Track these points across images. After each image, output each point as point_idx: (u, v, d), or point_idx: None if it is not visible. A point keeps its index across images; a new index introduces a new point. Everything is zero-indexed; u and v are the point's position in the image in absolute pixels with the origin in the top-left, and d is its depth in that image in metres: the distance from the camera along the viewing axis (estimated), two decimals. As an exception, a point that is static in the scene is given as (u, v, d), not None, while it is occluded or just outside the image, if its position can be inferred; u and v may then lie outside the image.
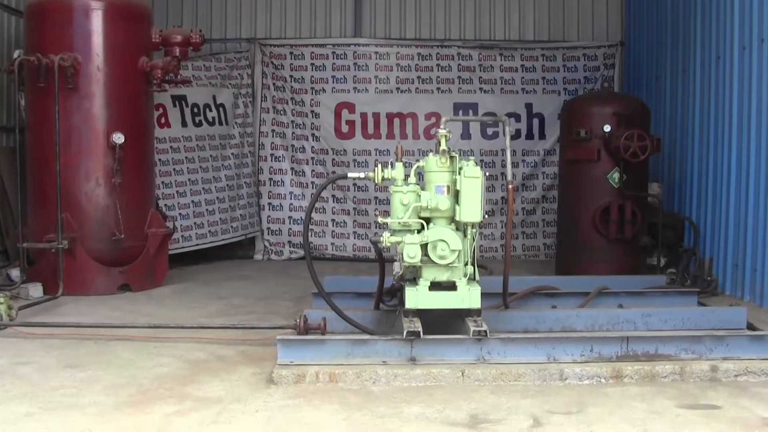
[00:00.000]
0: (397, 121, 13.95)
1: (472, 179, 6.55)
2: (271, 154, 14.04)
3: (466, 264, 6.81)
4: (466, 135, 13.92)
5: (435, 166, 6.82)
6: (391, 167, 6.82)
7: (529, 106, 13.95)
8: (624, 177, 10.45)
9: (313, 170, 13.95)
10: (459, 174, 6.63)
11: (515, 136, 13.74)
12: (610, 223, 10.44)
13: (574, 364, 6.41)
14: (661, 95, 12.49)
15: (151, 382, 6.36)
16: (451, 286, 6.79)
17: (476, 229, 6.84)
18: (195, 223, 12.82)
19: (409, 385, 6.21)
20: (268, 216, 14.00)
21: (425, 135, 13.92)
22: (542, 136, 13.95)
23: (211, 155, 13.09)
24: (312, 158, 14.02)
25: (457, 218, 6.67)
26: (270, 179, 14.02)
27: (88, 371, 6.63)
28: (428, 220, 6.82)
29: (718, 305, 8.89)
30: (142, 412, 5.65)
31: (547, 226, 13.81)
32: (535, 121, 13.94)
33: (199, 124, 12.96)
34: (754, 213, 9.39)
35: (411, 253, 6.58)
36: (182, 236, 12.58)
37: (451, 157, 6.79)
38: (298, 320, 7.25)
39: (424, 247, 6.68)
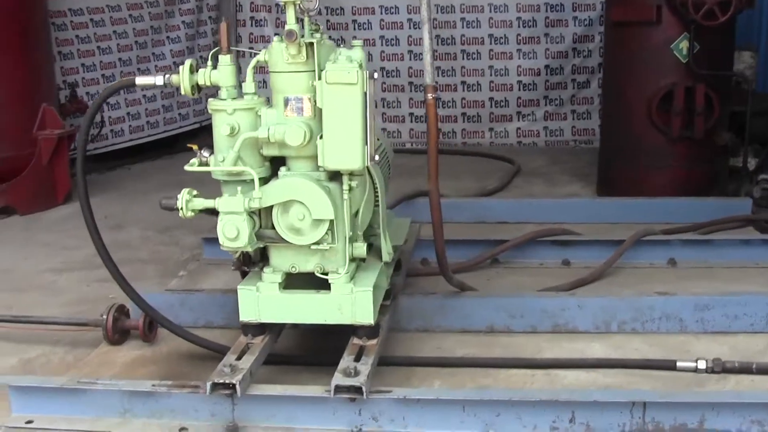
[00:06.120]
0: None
1: (343, 87, 3.38)
2: (251, 17, 10.96)
3: (353, 241, 3.73)
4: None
5: (281, 61, 3.59)
6: (213, 64, 3.70)
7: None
8: (696, 47, 7.02)
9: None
10: (320, 79, 3.48)
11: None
12: (672, 114, 7.13)
13: (534, 448, 3.34)
14: None
15: None
16: (323, 282, 3.75)
17: (365, 178, 3.72)
18: (128, 113, 9.93)
19: (212, 488, 3.30)
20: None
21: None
22: (600, -18, 10.44)
23: (152, 26, 10.05)
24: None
25: (320, 161, 3.56)
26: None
27: None
28: (282, 162, 3.72)
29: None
30: None
31: (607, 102, 10.49)
32: (589, -39, 10.40)
33: None
34: None
35: (229, 231, 3.47)
36: (111, 131, 9.76)
37: (309, 44, 3.56)
38: (104, 315, 4.40)
39: (265, 213, 3.62)
